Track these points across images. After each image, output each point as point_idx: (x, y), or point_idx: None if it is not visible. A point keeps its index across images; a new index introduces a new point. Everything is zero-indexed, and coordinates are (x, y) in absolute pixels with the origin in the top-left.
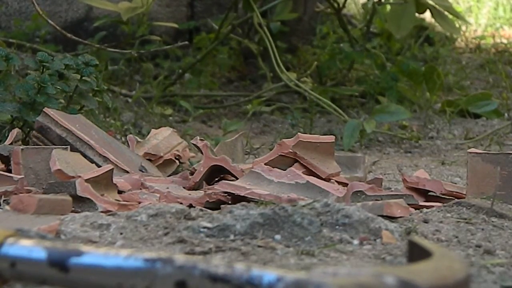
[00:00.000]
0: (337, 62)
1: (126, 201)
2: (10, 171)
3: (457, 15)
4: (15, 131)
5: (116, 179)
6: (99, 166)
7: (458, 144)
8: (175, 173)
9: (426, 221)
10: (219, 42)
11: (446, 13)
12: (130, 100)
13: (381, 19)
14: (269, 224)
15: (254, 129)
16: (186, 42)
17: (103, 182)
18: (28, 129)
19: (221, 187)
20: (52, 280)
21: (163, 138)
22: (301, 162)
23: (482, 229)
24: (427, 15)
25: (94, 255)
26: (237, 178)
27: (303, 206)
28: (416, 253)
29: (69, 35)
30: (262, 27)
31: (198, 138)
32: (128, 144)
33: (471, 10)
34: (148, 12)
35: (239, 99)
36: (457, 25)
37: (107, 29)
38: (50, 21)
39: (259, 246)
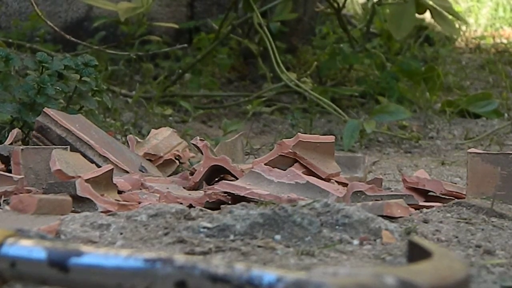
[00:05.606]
0: (337, 62)
1: (126, 201)
2: (10, 171)
3: (456, 15)
4: (15, 131)
5: (116, 179)
6: (99, 166)
7: (458, 144)
8: (175, 173)
9: (426, 221)
10: (219, 42)
11: (446, 14)
12: (130, 100)
13: (380, 20)
14: (269, 224)
15: (254, 129)
16: (186, 45)
17: (103, 182)
18: (28, 129)
19: (221, 187)
20: (52, 280)
21: (163, 138)
22: (301, 162)
23: (482, 229)
24: (427, 15)
25: (94, 255)
26: (237, 178)
27: (303, 206)
28: (416, 253)
29: (68, 36)
30: (262, 27)
31: (198, 138)
32: (128, 144)
33: (471, 10)
34: (148, 12)
35: (239, 99)
36: (457, 26)
37: (107, 29)
38: (49, 22)
39: (259, 246)
